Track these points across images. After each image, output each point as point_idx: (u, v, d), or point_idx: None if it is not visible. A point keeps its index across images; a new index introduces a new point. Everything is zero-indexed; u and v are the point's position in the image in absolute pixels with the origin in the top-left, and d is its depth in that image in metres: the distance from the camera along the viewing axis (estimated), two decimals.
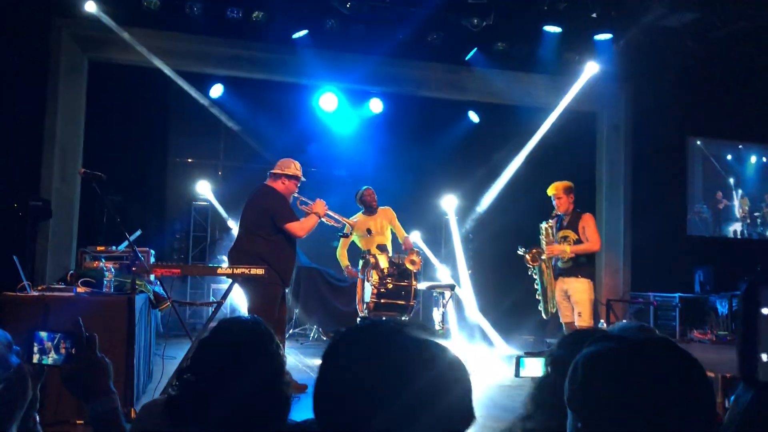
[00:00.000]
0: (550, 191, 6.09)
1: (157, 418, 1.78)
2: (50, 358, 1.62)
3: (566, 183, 6.11)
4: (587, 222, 5.90)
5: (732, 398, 1.57)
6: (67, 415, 3.63)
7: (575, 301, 5.85)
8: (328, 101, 10.03)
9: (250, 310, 5.47)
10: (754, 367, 1.07)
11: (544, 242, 6.14)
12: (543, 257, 6.09)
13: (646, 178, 10.07)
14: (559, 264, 6.03)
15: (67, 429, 3.77)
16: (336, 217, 6.00)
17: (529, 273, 6.29)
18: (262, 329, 1.81)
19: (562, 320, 6.06)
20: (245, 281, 5.21)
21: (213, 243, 10.50)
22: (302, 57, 8.76)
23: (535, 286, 6.28)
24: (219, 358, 1.72)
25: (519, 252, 6.20)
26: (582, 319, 5.78)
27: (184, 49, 8.59)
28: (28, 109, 7.99)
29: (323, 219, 5.74)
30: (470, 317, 9.34)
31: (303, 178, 5.73)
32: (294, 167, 5.66)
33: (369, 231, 6.61)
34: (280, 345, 1.83)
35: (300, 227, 5.50)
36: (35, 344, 1.62)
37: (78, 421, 3.84)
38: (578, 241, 5.89)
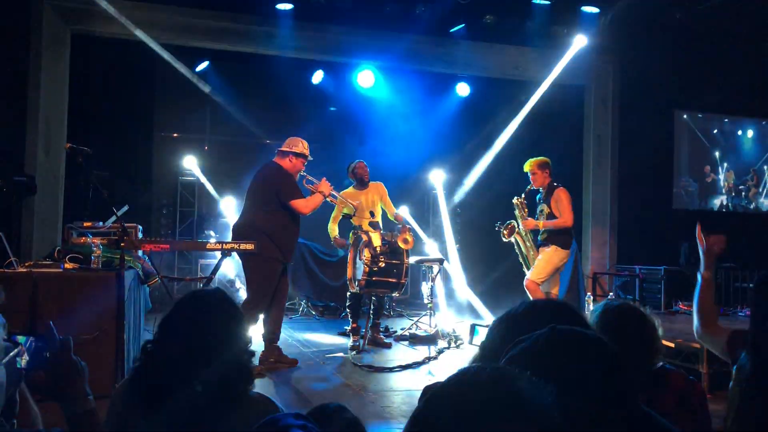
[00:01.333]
0: (526, 167, 6.35)
1: (125, 395, 1.81)
2: (24, 361, 1.61)
3: (540, 159, 6.36)
4: (559, 196, 6.08)
5: (734, 368, 1.60)
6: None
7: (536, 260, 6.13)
8: (317, 75, 10.00)
9: (248, 284, 5.57)
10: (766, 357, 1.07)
11: (519, 217, 6.40)
12: (521, 231, 6.40)
13: (633, 152, 10.09)
14: (539, 236, 6.27)
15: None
16: (340, 197, 6.08)
17: (515, 249, 6.60)
18: (224, 301, 1.85)
19: None
20: (244, 256, 5.30)
21: (201, 218, 10.46)
22: (289, 30, 8.66)
23: (520, 260, 6.58)
24: (178, 330, 1.78)
25: (496, 227, 6.56)
26: (530, 273, 6.12)
27: (169, 21, 8.44)
28: (11, 83, 7.84)
29: (327, 198, 5.82)
30: (458, 291, 9.41)
31: (310, 157, 5.80)
32: (302, 146, 5.75)
33: (372, 213, 6.65)
34: (242, 316, 1.88)
35: (305, 205, 5.58)
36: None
37: None
38: (551, 215, 6.11)
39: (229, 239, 5.61)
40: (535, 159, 6.36)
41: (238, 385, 1.76)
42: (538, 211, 6.29)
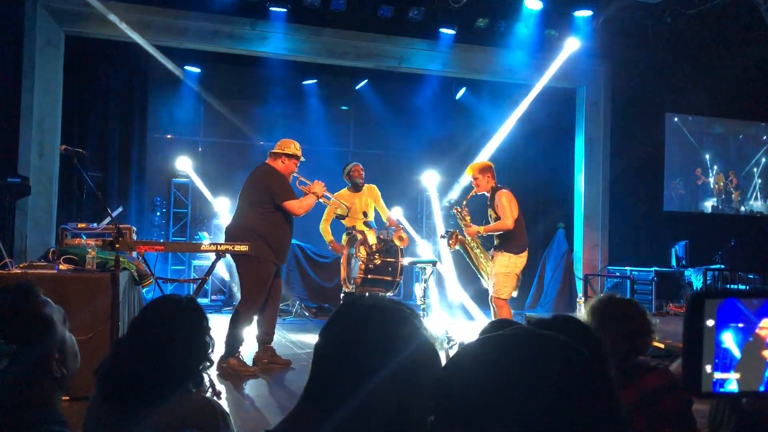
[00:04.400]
0: (468, 173, 6.22)
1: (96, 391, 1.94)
2: None
3: (481, 163, 6.26)
4: (499, 199, 5.93)
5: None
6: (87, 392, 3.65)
7: (492, 274, 6.00)
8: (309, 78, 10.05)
9: (241, 286, 5.62)
10: (698, 379, 1.09)
11: (462, 226, 6.29)
12: (466, 239, 6.25)
13: (625, 154, 10.17)
14: (494, 241, 6.13)
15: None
16: (333, 198, 6.16)
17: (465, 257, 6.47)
18: (192, 308, 2.02)
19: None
20: (237, 258, 5.32)
21: (194, 219, 10.46)
22: (282, 32, 8.68)
23: (472, 268, 6.47)
24: (146, 330, 1.93)
25: (441, 237, 6.46)
26: (494, 291, 5.95)
27: (162, 23, 8.45)
28: (4, 85, 7.85)
29: (321, 199, 5.86)
30: (451, 292, 9.45)
31: (302, 158, 5.82)
32: (294, 147, 5.76)
33: (365, 213, 6.70)
34: (206, 325, 2.03)
35: (299, 206, 5.60)
36: None
37: None
38: (498, 219, 5.96)
39: (223, 241, 5.62)
40: (475, 163, 6.25)
41: (180, 384, 1.89)
42: (488, 217, 6.16)
